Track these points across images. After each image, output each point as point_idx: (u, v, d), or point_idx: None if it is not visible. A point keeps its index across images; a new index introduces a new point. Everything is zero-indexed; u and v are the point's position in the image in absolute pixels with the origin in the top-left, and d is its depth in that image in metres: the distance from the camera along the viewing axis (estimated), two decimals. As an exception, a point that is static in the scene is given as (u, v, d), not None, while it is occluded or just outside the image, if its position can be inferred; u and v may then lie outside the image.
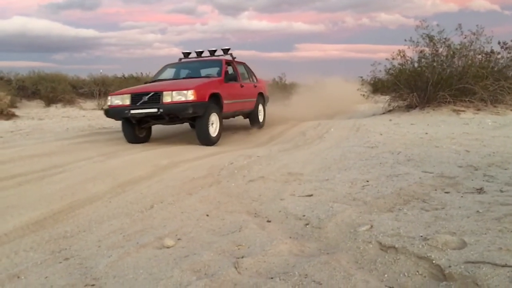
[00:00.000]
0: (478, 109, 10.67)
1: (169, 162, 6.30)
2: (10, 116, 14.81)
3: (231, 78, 9.38)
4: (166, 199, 4.26)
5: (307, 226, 3.20)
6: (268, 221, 3.40)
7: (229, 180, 4.94)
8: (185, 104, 7.62)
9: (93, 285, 2.45)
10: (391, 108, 12.70)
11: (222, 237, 3.10)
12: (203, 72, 9.99)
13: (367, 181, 4.31)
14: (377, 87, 14.33)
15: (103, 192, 4.67)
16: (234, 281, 2.34)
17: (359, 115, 13.74)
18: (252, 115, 10.86)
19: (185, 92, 7.70)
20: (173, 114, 7.81)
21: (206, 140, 8.02)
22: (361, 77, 13.57)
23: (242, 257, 2.62)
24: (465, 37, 11.47)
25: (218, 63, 9.85)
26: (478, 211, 3.11)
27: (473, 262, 2.23)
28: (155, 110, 7.65)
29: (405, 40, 11.89)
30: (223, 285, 2.29)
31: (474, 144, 6.24)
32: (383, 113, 12.53)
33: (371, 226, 2.94)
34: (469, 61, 11.38)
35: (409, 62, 12.08)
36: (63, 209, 4.16)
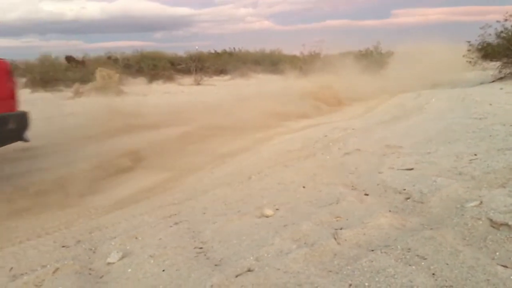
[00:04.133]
0: None
1: (264, 135, 6.44)
2: (119, 92, 16.15)
3: None
4: (263, 170, 4.39)
5: (408, 200, 3.09)
6: (366, 194, 3.35)
7: (324, 152, 4.92)
8: None
9: (201, 248, 2.65)
10: (503, 76, 11.48)
11: (319, 208, 3.13)
12: None
13: (475, 155, 4.01)
14: (486, 52, 12.97)
15: (206, 162, 4.96)
16: (334, 251, 2.37)
17: (464, 84, 12.65)
18: None
19: None
20: None
21: None
22: (469, 41, 12.39)
23: (341, 229, 2.64)
24: None
25: None
26: None
27: None
28: None
29: (522, -2, 10.55)
30: (323, 255, 2.33)
31: None
32: (493, 81, 11.39)
33: (481, 202, 2.76)
34: None
35: (525, 24, 10.75)
36: (170, 178, 4.52)
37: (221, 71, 23.98)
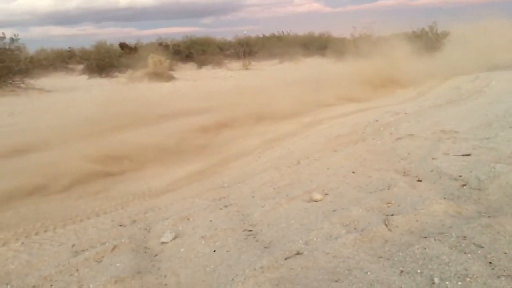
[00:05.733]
0: None
1: (312, 119, 6.38)
2: (170, 78, 16.53)
3: None
4: (311, 155, 4.36)
5: (464, 187, 2.97)
6: (419, 180, 3.25)
7: (375, 137, 4.80)
8: None
9: (250, 230, 2.70)
10: None
11: (369, 194, 3.08)
12: None
13: (539, 140, 3.78)
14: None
15: (253, 147, 5.00)
16: (385, 237, 2.33)
17: (527, 65, 11.84)
18: None
19: None
20: None
21: None
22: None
23: (392, 215, 2.58)
24: None
25: None
26: None
27: None
28: None
29: None
30: (373, 240, 2.30)
31: None
32: (561, 61, 10.59)
33: (544, 190, 2.61)
34: None
35: None
36: (219, 162, 4.60)
37: (270, 55, 23.91)
